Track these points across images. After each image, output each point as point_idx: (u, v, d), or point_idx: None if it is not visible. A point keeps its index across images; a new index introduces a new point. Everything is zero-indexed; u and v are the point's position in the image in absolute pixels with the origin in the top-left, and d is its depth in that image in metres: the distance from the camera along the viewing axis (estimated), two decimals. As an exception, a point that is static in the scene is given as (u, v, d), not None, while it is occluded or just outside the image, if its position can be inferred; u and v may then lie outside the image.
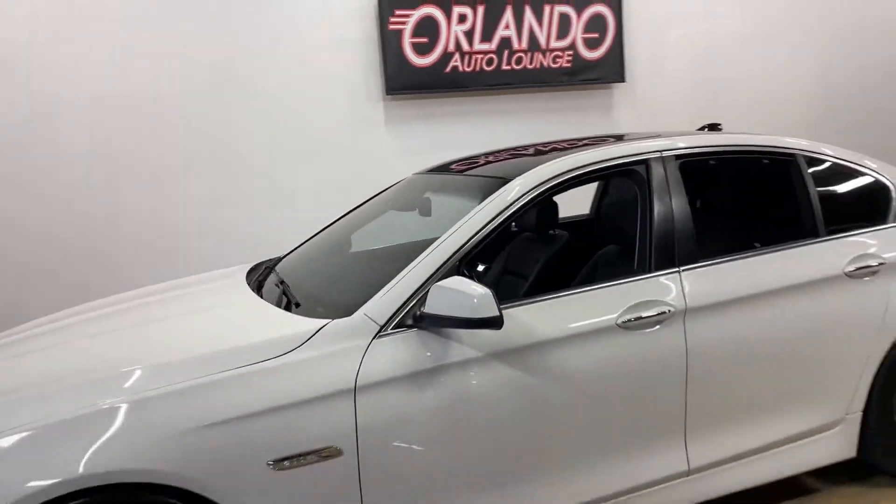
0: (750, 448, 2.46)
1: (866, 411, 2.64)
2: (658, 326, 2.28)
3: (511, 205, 2.26)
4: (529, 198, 2.30)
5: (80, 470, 1.70)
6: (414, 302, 2.06)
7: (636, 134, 2.88)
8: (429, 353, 2.03)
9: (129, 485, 1.75)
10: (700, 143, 2.63)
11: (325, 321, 2.04)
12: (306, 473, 1.89)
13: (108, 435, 1.75)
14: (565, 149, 2.62)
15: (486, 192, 2.34)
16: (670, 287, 2.34)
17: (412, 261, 2.18)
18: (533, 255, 3.03)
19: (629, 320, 2.24)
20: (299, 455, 1.88)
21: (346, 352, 1.98)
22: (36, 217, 4.57)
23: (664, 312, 2.28)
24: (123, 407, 1.80)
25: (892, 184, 2.86)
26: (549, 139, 3.15)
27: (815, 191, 2.71)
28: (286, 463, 1.87)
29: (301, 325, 2.06)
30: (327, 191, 5.46)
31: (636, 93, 6.08)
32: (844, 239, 2.65)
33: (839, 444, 2.64)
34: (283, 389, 1.89)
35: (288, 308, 2.27)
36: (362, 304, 2.09)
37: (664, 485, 2.34)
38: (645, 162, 2.49)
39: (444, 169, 3.03)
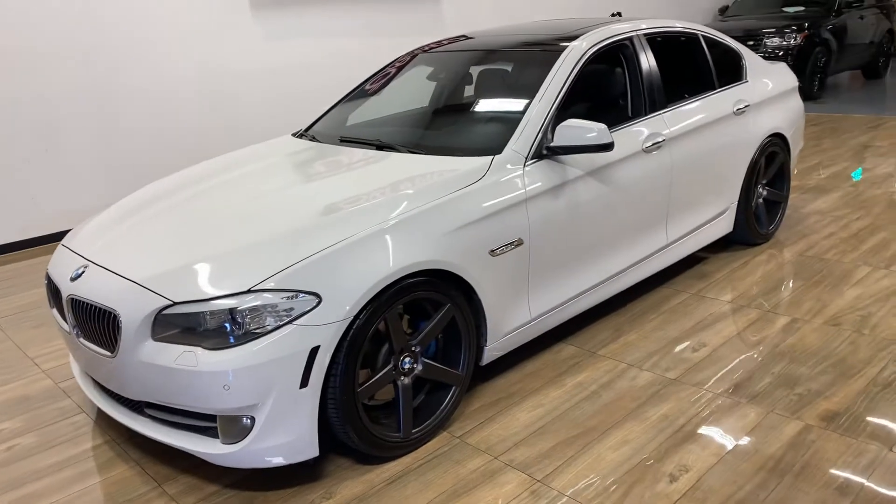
0: (693, 227, 3.85)
1: (740, 201, 4.17)
2: (659, 150, 3.48)
3: (581, 57, 3.25)
4: (594, 51, 3.32)
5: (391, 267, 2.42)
6: (540, 138, 2.98)
7: (601, 19, 3.94)
8: (557, 174, 2.99)
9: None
10: (655, 25, 3.79)
11: (488, 157, 2.88)
12: (506, 257, 2.80)
13: (403, 241, 2.48)
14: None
15: (545, 57, 3.27)
16: (662, 123, 3.53)
17: (514, 112, 3.07)
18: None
19: (648, 147, 3.40)
20: (503, 245, 2.77)
21: (513, 175, 2.86)
22: None
23: (663, 140, 3.48)
24: (404, 220, 2.52)
25: (740, 50, 4.33)
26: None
27: (710, 58, 4.06)
28: (497, 251, 2.75)
29: (471, 162, 2.86)
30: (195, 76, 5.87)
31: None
32: (728, 90, 4.06)
33: (725, 225, 4.15)
34: (489, 202, 2.74)
35: (429, 154, 3.03)
36: (505, 144, 2.95)
37: (653, 255, 3.63)
38: (631, 39, 3.59)
39: (463, 47, 3.83)
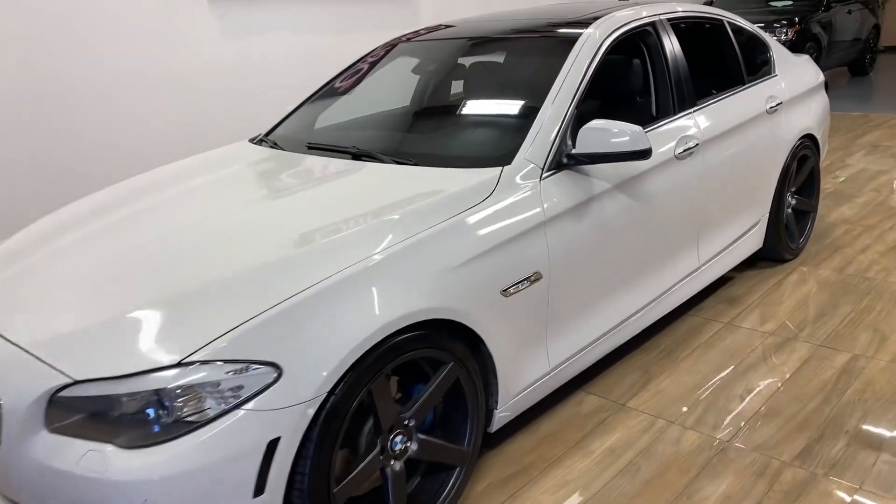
0: (724, 245, 3.29)
1: (771, 212, 3.63)
2: (691, 156, 2.90)
3: (601, 45, 2.66)
4: (615, 38, 2.73)
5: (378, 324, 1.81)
6: (559, 144, 2.38)
7: (608, 3, 3.36)
8: (581, 188, 2.39)
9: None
10: (677, 9, 3.21)
11: (495, 169, 2.27)
12: (521, 296, 2.19)
13: (391, 285, 1.86)
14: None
15: (558, 47, 2.67)
16: (694, 124, 2.96)
17: (523, 113, 2.47)
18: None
19: (681, 153, 2.82)
20: (518, 282, 2.17)
21: (528, 191, 2.25)
22: None
23: (696, 144, 2.90)
24: (391, 256, 1.90)
25: (766, 39, 3.79)
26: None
27: (737, 48, 3.51)
28: (511, 289, 2.14)
29: (473, 175, 2.25)
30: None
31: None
32: (758, 85, 3.51)
33: (756, 240, 3.60)
34: (499, 228, 2.13)
35: (420, 164, 2.41)
36: (516, 151, 2.34)
37: (683, 280, 3.05)
38: (654, 24, 3.01)
39: (448, 35, 3.21)
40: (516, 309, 2.18)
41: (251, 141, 3.12)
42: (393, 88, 3.43)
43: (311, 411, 1.67)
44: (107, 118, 5.46)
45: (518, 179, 2.27)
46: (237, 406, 1.61)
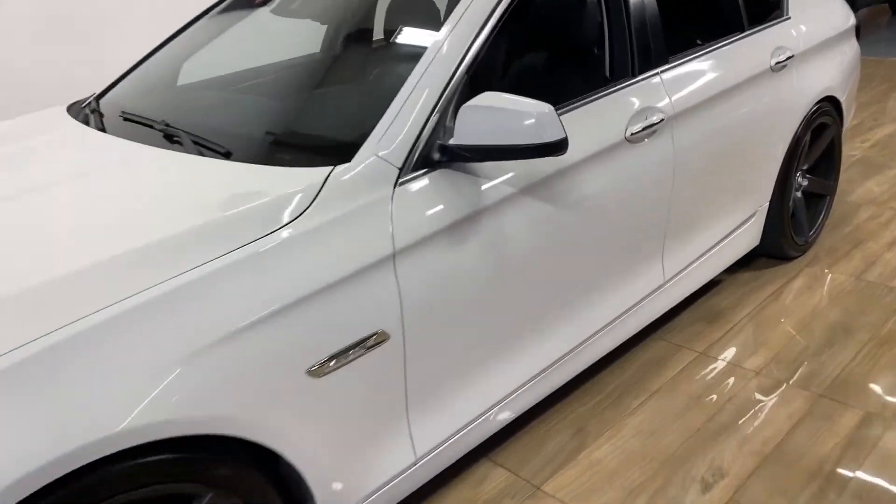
0: (702, 251, 2.48)
1: (773, 201, 2.79)
2: (654, 135, 2.07)
3: None
4: None
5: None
6: (429, 130, 1.58)
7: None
8: (463, 197, 1.60)
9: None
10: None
11: (321, 171, 1.48)
12: (352, 371, 1.43)
13: (101, 376, 1.11)
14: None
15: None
16: (658, 92, 2.12)
17: (389, 77, 1.66)
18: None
19: (637, 132, 2.00)
20: (343, 352, 1.40)
21: (370, 208, 1.47)
22: None
23: (661, 119, 2.07)
24: (105, 325, 1.14)
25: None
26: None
27: (735, -19, 2.61)
28: (331, 363, 1.39)
29: (287, 178, 1.47)
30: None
31: None
32: (761, 33, 2.62)
33: (751, 237, 2.78)
34: (310, 270, 1.35)
35: (228, 157, 1.62)
36: (360, 142, 1.54)
37: (640, 304, 2.27)
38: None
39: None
40: (345, 390, 1.43)
41: (71, 108, 2.32)
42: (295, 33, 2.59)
43: None
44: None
45: (355, 186, 1.47)
46: None
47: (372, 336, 1.44)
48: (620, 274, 2.10)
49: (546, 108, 1.51)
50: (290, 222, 1.38)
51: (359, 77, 1.91)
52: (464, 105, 1.55)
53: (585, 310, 2.01)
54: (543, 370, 1.92)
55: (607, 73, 2.10)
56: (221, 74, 2.43)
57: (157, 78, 2.34)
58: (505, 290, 1.72)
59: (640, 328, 2.32)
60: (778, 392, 2.24)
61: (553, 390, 2.05)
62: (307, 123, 1.75)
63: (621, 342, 2.26)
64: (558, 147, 1.52)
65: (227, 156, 1.61)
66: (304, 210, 1.40)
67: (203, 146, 1.67)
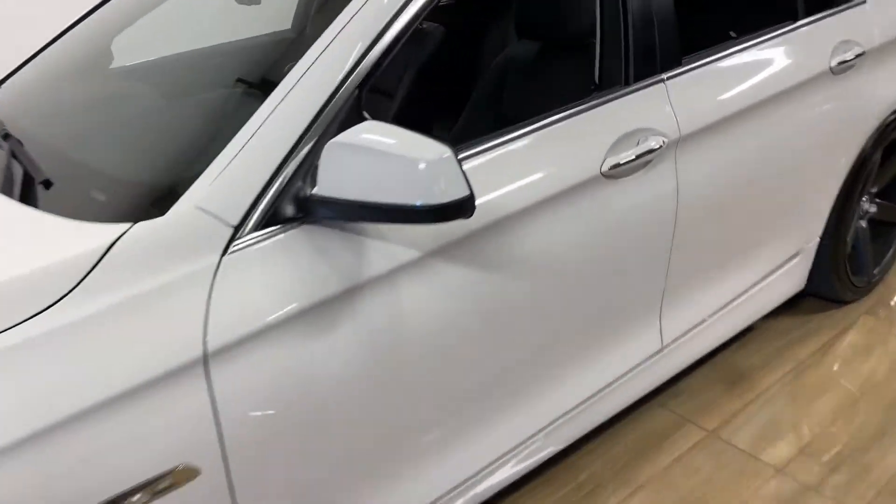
0: (721, 303, 1.95)
1: (826, 235, 2.21)
2: (648, 166, 1.54)
3: None
4: None
5: None
6: (289, 176, 1.11)
7: None
8: (333, 267, 1.13)
9: None
10: None
11: (116, 227, 1.04)
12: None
13: None
14: None
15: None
16: (660, 106, 1.57)
17: (262, 95, 1.19)
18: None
19: (618, 164, 1.47)
20: (119, 498, 0.98)
21: (178, 286, 1.02)
22: None
23: (661, 146, 1.53)
24: None
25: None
26: None
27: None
28: (97, 519, 0.96)
29: (58, 238, 1.03)
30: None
31: None
32: (821, 23, 2.01)
33: (791, 282, 2.21)
34: (71, 384, 0.93)
35: (27, 200, 1.20)
36: (185, 187, 1.09)
37: (636, 370, 1.77)
38: None
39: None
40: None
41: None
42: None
43: None
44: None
45: (161, 253, 1.03)
46: None
47: (168, 472, 1.01)
48: (591, 347, 1.60)
49: (443, 151, 1.02)
50: (45, 310, 0.95)
51: (197, 98, 1.44)
52: (329, 141, 1.07)
53: (537, 397, 1.53)
54: (469, 478, 1.46)
55: (596, 80, 1.57)
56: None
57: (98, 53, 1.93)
58: (401, 392, 1.25)
59: (626, 405, 1.83)
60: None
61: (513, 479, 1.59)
62: (109, 159, 1.29)
63: (592, 427, 1.77)
64: (459, 209, 1.03)
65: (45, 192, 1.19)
66: (71, 290, 0.97)
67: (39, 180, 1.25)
